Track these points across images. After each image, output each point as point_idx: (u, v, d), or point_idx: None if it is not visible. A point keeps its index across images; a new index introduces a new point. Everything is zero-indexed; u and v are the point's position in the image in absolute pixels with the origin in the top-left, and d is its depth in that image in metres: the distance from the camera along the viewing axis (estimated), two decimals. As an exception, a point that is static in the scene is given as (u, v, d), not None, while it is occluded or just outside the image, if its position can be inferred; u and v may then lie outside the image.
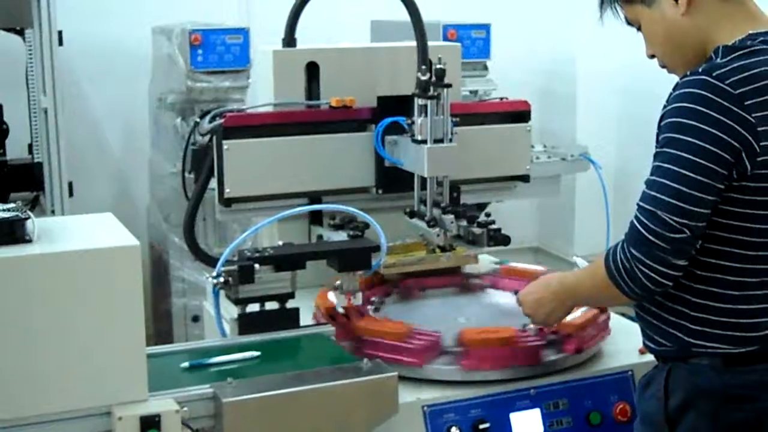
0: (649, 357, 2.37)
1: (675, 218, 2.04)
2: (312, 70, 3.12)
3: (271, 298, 2.56)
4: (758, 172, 2.06)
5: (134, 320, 2.01)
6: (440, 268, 3.02)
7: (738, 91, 2.04)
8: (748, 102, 2.04)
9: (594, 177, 5.02)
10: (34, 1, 4.29)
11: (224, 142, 2.92)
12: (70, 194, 4.49)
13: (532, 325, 2.53)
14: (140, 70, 5.19)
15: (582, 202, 6.06)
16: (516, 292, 2.95)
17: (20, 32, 4.53)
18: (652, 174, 2.10)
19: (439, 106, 2.84)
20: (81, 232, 2.09)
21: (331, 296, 2.69)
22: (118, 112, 5.61)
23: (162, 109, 4.97)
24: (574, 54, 6.16)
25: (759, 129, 2.04)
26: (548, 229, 6.57)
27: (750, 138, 2.04)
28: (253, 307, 2.56)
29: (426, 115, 2.83)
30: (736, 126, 2.03)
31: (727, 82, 2.05)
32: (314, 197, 3.08)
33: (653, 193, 2.07)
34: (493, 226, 2.86)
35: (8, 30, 4.57)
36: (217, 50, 4.73)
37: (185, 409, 2.06)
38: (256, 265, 2.51)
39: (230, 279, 2.52)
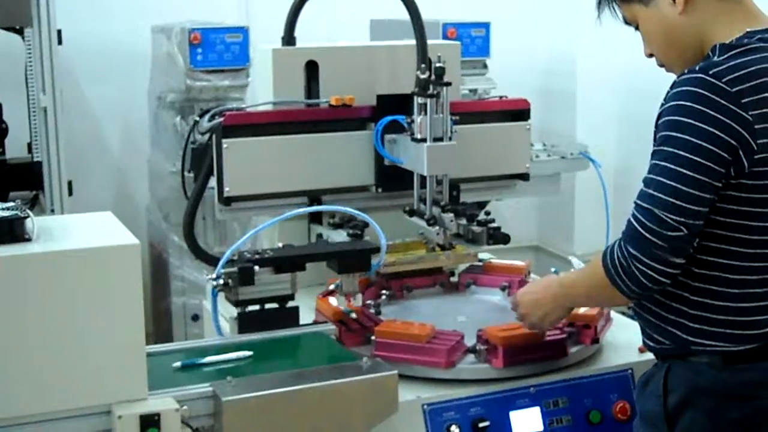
0: (649, 355, 2.37)
1: (672, 216, 2.04)
2: (311, 68, 3.12)
3: (270, 300, 2.56)
4: (756, 169, 2.06)
5: (134, 319, 2.01)
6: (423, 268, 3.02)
7: (735, 89, 2.04)
8: (745, 100, 2.04)
9: (594, 175, 5.02)
10: (34, 0, 4.28)
11: (224, 140, 2.92)
12: (70, 193, 4.49)
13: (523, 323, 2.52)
14: (139, 69, 5.19)
15: (582, 201, 6.06)
16: (503, 288, 2.98)
17: (19, 31, 4.52)
18: (649, 172, 2.10)
19: (439, 104, 2.84)
20: (80, 231, 2.09)
21: (334, 301, 2.69)
22: (118, 111, 5.60)
23: (161, 108, 4.96)
24: (574, 52, 6.15)
25: (756, 127, 2.05)
26: (548, 228, 6.57)
27: (747, 136, 2.04)
28: (253, 306, 2.56)
29: (425, 114, 2.83)
30: (733, 124, 2.04)
31: (724, 80, 2.05)
32: (314, 196, 3.08)
33: (650, 191, 2.08)
34: (493, 225, 2.87)
35: (7, 29, 4.55)
36: (217, 49, 4.73)
37: (185, 407, 2.06)
38: (256, 267, 2.50)
39: (230, 281, 2.52)
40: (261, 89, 3.31)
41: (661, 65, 2.31)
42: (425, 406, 2.41)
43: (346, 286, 2.61)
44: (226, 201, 2.96)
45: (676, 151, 2.06)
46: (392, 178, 3.07)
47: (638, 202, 2.10)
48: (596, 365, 2.62)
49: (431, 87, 2.83)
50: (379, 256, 2.63)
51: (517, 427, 2.46)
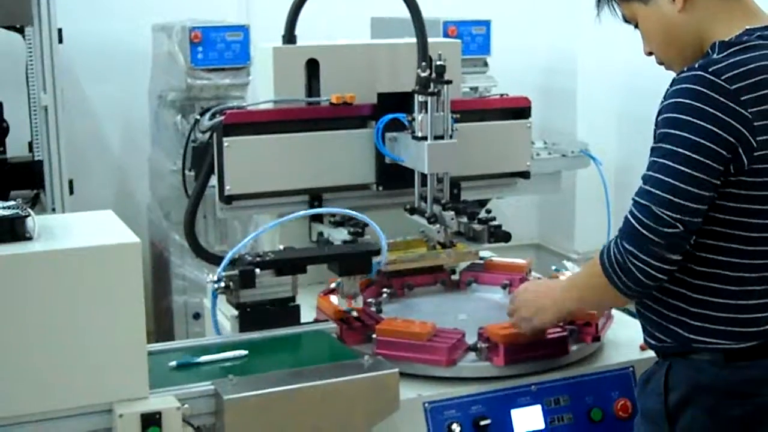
0: (650, 353, 2.37)
1: (669, 213, 2.04)
2: (312, 67, 3.12)
3: (272, 302, 2.56)
4: (755, 167, 2.06)
5: (135, 318, 2.01)
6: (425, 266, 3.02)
7: (734, 87, 2.04)
8: (745, 97, 2.04)
9: (594, 173, 5.03)
10: (34, 0, 4.28)
11: (224, 139, 2.92)
12: (71, 192, 4.49)
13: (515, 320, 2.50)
14: (140, 67, 5.19)
15: (582, 199, 6.06)
16: (504, 286, 2.98)
17: (20, 30, 4.52)
18: (647, 169, 2.11)
19: (440, 102, 2.84)
20: (81, 230, 2.09)
21: (335, 299, 2.69)
22: (119, 110, 5.60)
23: (162, 107, 4.97)
24: (575, 50, 6.15)
25: (755, 124, 2.05)
26: (549, 226, 6.57)
27: (746, 133, 2.04)
28: (254, 306, 2.56)
29: (426, 112, 2.83)
30: (732, 121, 2.04)
31: (724, 77, 2.05)
32: (315, 194, 3.08)
33: (648, 187, 2.08)
34: (494, 223, 2.86)
35: (8, 28, 4.55)
36: (217, 47, 4.73)
37: (186, 406, 2.06)
38: (257, 270, 2.50)
39: (231, 283, 2.52)
40: (262, 88, 3.31)
41: (660, 63, 2.31)
42: (426, 405, 2.41)
43: (347, 288, 2.61)
44: (227, 199, 2.96)
45: (674, 148, 2.06)
46: (393, 176, 3.07)
47: (636, 198, 2.10)
48: (597, 363, 2.62)
49: (432, 85, 2.83)
50: (379, 257, 2.63)
51: (518, 425, 2.46)
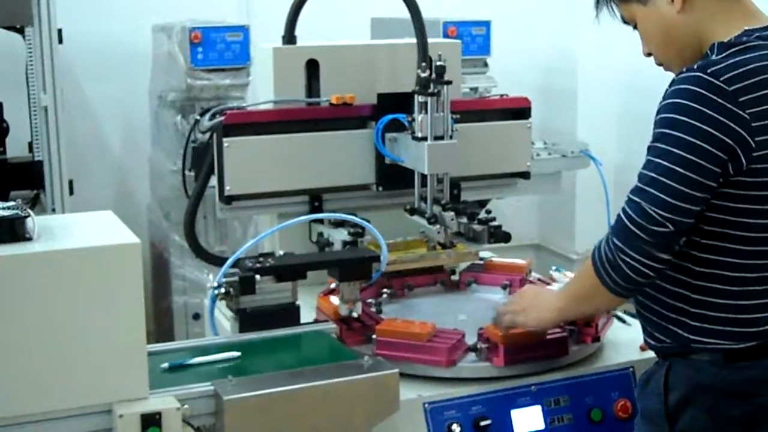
0: (650, 354, 2.37)
1: (659, 211, 2.05)
2: (312, 67, 3.12)
3: (272, 308, 2.55)
4: (754, 167, 2.07)
5: (135, 318, 2.01)
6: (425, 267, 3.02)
7: (732, 88, 2.05)
8: (743, 98, 2.05)
9: (595, 174, 5.02)
10: (34, 0, 4.28)
11: (224, 139, 2.92)
12: (71, 192, 4.49)
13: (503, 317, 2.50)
14: (140, 68, 5.19)
15: (583, 199, 6.06)
16: (504, 287, 2.98)
17: (20, 30, 4.52)
18: (643, 168, 2.12)
19: (440, 103, 2.84)
20: (81, 230, 2.09)
21: (335, 300, 2.69)
22: (119, 110, 5.60)
23: (162, 107, 4.97)
24: (575, 50, 6.15)
25: (753, 125, 2.05)
26: (549, 226, 6.57)
27: (744, 134, 2.04)
28: (254, 312, 2.55)
29: (426, 112, 2.83)
30: (730, 123, 2.04)
31: (722, 78, 2.05)
32: (314, 195, 3.08)
33: (641, 185, 2.09)
34: (494, 223, 2.86)
35: (8, 28, 4.55)
36: (218, 48, 4.73)
37: (186, 406, 2.06)
38: (257, 276, 2.50)
39: (231, 289, 2.52)
40: (262, 88, 3.31)
41: (659, 64, 2.32)
42: (426, 405, 2.41)
43: (347, 294, 2.60)
44: (227, 200, 2.96)
45: (669, 148, 2.06)
46: (393, 177, 3.07)
47: (629, 195, 2.12)
48: (597, 363, 2.62)
49: (432, 85, 2.83)
50: (379, 264, 2.63)
51: (518, 426, 2.46)
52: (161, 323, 5.11)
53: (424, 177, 2.94)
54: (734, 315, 2.14)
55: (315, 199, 3.08)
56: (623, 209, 2.11)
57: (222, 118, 2.95)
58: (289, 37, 3.17)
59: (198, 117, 3.13)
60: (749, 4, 2.22)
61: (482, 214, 2.89)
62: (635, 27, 2.31)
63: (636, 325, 2.43)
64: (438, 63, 2.82)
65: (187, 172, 3.45)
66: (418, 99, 2.86)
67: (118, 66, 5.43)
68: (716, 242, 2.13)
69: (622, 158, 6.01)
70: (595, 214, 5.45)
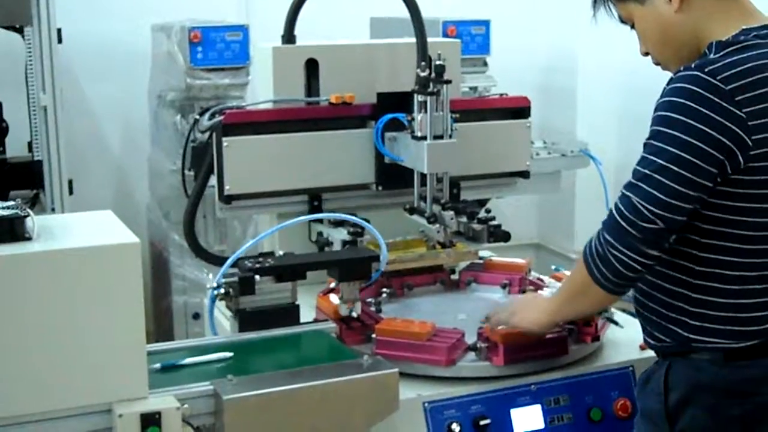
0: (650, 353, 2.37)
1: (650, 208, 2.06)
2: (311, 66, 3.12)
3: (272, 309, 2.55)
4: (752, 165, 2.07)
5: (134, 318, 2.01)
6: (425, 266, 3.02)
7: (729, 87, 2.05)
8: (740, 97, 2.05)
9: (594, 173, 5.02)
10: (34, 0, 4.28)
11: (224, 139, 2.92)
12: (70, 192, 4.49)
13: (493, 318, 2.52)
14: (140, 67, 5.19)
15: (582, 198, 6.06)
16: (504, 286, 2.98)
17: (19, 30, 4.52)
18: (637, 164, 2.13)
19: (439, 102, 2.84)
20: (81, 230, 2.09)
21: (335, 299, 2.69)
22: (118, 110, 5.60)
23: (162, 107, 4.96)
24: (574, 50, 6.15)
25: (750, 123, 2.05)
26: (548, 226, 6.57)
27: (741, 133, 2.04)
28: (254, 312, 2.55)
29: (426, 112, 2.83)
30: (726, 122, 2.04)
31: (719, 77, 2.05)
32: (314, 194, 3.08)
33: (634, 181, 2.10)
34: (493, 223, 2.87)
35: (7, 28, 4.56)
36: (217, 47, 4.73)
37: (186, 406, 2.06)
38: (257, 277, 2.50)
39: (231, 290, 2.51)
40: (261, 87, 3.31)
41: (656, 63, 2.32)
42: (426, 404, 2.41)
43: (347, 294, 2.60)
44: (227, 199, 2.96)
45: (664, 146, 2.07)
46: (393, 176, 3.07)
47: (622, 190, 2.13)
48: (597, 363, 2.62)
49: (431, 85, 2.83)
50: (379, 264, 2.63)
51: (518, 425, 2.46)
52: (161, 323, 5.11)
53: (423, 176, 2.94)
54: (734, 314, 2.14)
55: (314, 199, 3.08)
56: (615, 204, 2.13)
57: (221, 117, 2.95)
58: (289, 37, 3.17)
59: (197, 116, 3.13)
60: (747, 4, 2.23)
61: (482, 214, 2.89)
62: (633, 26, 2.31)
63: (635, 324, 2.43)
64: (437, 62, 2.82)
65: (186, 172, 3.45)
66: (418, 98, 2.86)
67: (117, 66, 5.43)
68: (716, 241, 2.13)
69: (621, 157, 6.00)
70: (594, 213, 5.42)
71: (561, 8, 6.04)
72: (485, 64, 5.47)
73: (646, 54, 2.32)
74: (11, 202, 2.05)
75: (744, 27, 2.16)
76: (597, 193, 5.09)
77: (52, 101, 4.37)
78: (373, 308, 2.79)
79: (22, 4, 4.28)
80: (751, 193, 2.09)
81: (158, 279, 5.19)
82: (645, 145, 2.13)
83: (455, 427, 2.40)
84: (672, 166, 2.05)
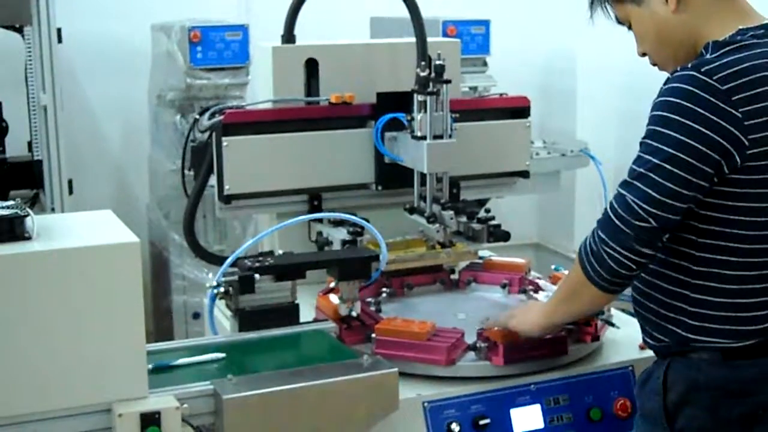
0: (649, 353, 2.37)
1: (644, 206, 2.06)
2: (311, 66, 3.12)
3: (271, 308, 2.55)
4: (749, 164, 2.07)
5: (134, 317, 2.01)
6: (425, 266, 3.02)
7: (726, 87, 2.05)
8: (736, 97, 2.05)
9: (594, 173, 5.02)
10: (33, -1, 4.29)
11: (224, 138, 2.92)
12: (70, 192, 4.48)
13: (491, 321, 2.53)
14: (139, 67, 5.19)
15: (582, 198, 6.06)
16: (504, 286, 2.98)
17: (19, 30, 4.52)
18: (633, 163, 2.13)
19: (439, 102, 2.84)
20: (80, 230, 2.09)
21: (334, 299, 2.69)
22: (118, 110, 5.60)
23: (161, 107, 4.96)
24: (574, 50, 6.15)
25: (746, 123, 2.05)
26: (548, 225, 6.57)
27: (737, 132, 2.05)
28: (253, 311, 2.55)
29: (425, 111, 2.83)
30: (722, 122, 2.04)
31: (716, 77, 2.05)
32: (314, 194, 3.08)
33: (629, 179, 2.11)
34: (493, 222, 2.87)
35: (7, 28, 4.56)
36: (217, 47, 4.73)
37: (185, 405, 2.06)
38: (256, 276, 2.50)
39: (230, 288, 2.52)
40: (261, 87, 3.31)
41: (653, 64, 2.32)
42: (426, 404, 2.41)
43: (346, 293, 2.60)
44: (226, 199, 2.96)
45: (659, 145, 2.07)
46: (392, 176, 3.07)
47: (618, 189, 2.13)
48: (597, 362, 2.62)
49: (431, 84, 2.83)
50: (379, 263, 2.63)
51: (517, 425, 2.46)
52: (161, 322, 5.11)
53: (423, 176, 2.94)
54: (733, 313, 2.14)
55: (314, 198, 3.08)
56: (610, 202, 2.14)
57: (221, 117, 2.95)
58: (289, 36, 3.17)
59: (197, 116, 3.13)
60: (743, 4, 2.23)
61: (481, 213, 2.89)
62: (630, 27, 2.32)
63: (634, 324, 2.43)
64: (437, 62, 2.82)
65: (186, 172, 3.45)
66: (418, 98, 2.86)
67: (117, 65, 5.43)
68: (713, 241, 2.13)
69: (621, 157, 5.99)
70: (594, 213, 5.41)
71: (561, 8, 6.03)
72: (485, 64, 5.47)
73: (644, 55, 2.32)
74: (11, 202, 2.05)
75: (741, 27, 2.16)
76: (597, 192, 5.09)
77: (52, 101, 4.37)
78: (372, 308, 2.79)
79: (21, 3, 4.28)
80: (748, 193, 2.09)
81: (158, 279, 5.19)
82: (641, 144, 2.13)
83: (455, 426, 2.40)
84: (667, 166, 2.06)
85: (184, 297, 4.99)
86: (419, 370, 2.47)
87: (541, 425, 2.48)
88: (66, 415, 1.98)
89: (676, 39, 2.22)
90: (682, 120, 2.05)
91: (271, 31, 3.36)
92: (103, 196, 5.40)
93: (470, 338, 2.53)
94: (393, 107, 3.01)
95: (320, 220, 3.06)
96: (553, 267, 3.11)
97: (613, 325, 2.68)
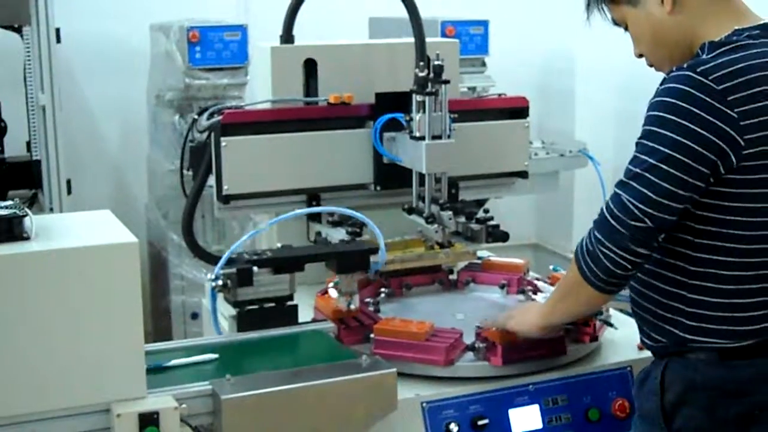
0: (648, 353, 2.37)
1: (639, 206, 2.07)
2: (310, 66, 3.12)
3: (269, 300, 2.55)
4: (745, 164, 2.07)
5: (133, 317, 2.01)
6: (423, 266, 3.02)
7: (721, 87, 2.05)
8: (732, 97, 2.05)
9: (592, 173, 5.02)
10: (32, -1, 4.29)
11: (222, 139, 2.92)
12: (68, 192, 4.48)
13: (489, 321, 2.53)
14: (138, 67, 5.19)
15: (580, 199, 6.06)
16: (502, 286, 2.98)
17: (18, 30, 4.52)
18: (629, 163, 2.14)
19: (438, 102, 2.84)
20: (79, 230, 2.09)
21: (334, 292, 2.69)
22: (116, 110, 5.60)
23: (160, 107, 4.96)
24: (573, 50, 6.15)
25: (742, 123, 2.05)
26: (547, 226, 6.57)
27: (732, 132, 2.05)
28: (252, 304, 2.55)
29: (424, 112, 2.83)
30: (718, 122, 2.04)
31: (711, 77, 2.06)
32: (312, 194, 3.07)
33: (625, 179, 2.12)
34: (492, 223, 2.86)
35: (6, 27, 4.56)
36: (215, 47, 4.73)
37: (184, 406, 2.06)
38: (255, 268, 2.50)
39: (229, 282, 2.52)
40: (260, 87, 3.31)
41: (650, 65, 2.33)
42: (424, 404, 2.41)
43: (345, 286, 2.60)
44: (225, 199, 2.96)
45: (655, 145, 2.08)
46: (391, 176, 3.07)
47: (614, 189, 2.14)
48: (595, 363, 2.62)
49: (430, 85, 2.83)
50: (378, 256, 2.63)
51: (516, 425, 2.46)
52: (159, 323, 5.11)
53: (422, 176, 2.94)
54: (729, 314, 2.14)
55: (313, 199, 3.07)
56: (606, 202, 2.14)
57: (220, 117, 2.95)
58: (287, 37, 3.17)
59: (196, 116, 3.12)
60: (739, 4, 2.23)
61: (480, 214, 2.89)
62: (626, 29, 2.32)
63: (632, 324, 2.43)
64: (436, 62, 2.82)
65: (185, 172, 3.45)
66: (416, 98, 2.86)
67: (116, 65, 5.42)
68: (710, 241, 2.13)
69: (620, 158, 5.96)
70: (592, 213, 5.38)
71: (559, 9, 6.03)
72: (484, 64, 5.47)
73: (640, 56, 2.33)
74: (9, 202, 2.05)
75: (736, 27, 2.16)
76: (595, 193, 5.09)
77: (51, 101, 4.37)
78: (371, 308, 2.79)
79: (20, 3, 4.28)
80: (744, 193, 2.09)
81: (156, 279, 5.19)
82: (637, 144, 2.14)
83: (453, 427, 2.40)
84: (663, 166, 2.06)
85: (183, 297, 4.99)
86: (418, 371, 2.47)
87: (539, 425, 2.48)
88: (64, 415, 1.98)
89: (672, 40, 2.23)
90: (678, 120, 2.05)
91: (270, 31, 3.35)
92: (102, 196, 5.40)
93: (469, 338, 2.53)
94: (392, 107, 3.01)
95: (319, 221, 3.07)
96: (551, 267, 3.11)
97: (611, 325, 2.68)
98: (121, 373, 2.01)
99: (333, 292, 2.67)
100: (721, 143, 2.05)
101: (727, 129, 2.05)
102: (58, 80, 4.39)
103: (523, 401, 2.49)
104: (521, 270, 3.07)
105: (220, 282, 2.52)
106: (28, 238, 1.98)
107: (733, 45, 2.12)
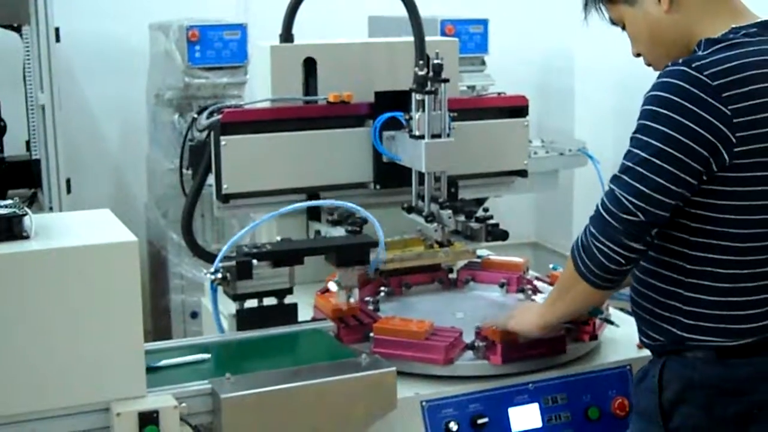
0: (647, 352, 2.37)
1: (632, 200, 2.08)
2: (309, 65, 3.12)
3: (269, 293, 2.56)
4: (738, 162, 2.07)
5: (132, 316, 2.01)
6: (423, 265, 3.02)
7: (716, 83, 2.05)
8: (726, 94, 2.05)
9: (592, 172, 5.02)
10: (31, -2, 4.29)
11: (222, 138, 2.92)
12: (68, 191, 4.48)
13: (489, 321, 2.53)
14: (138, 66, 5.19)
15: (580, 197, 6.06)
16: (502, 285, 2.98)
17: (17, 29, 4.51)
18: (623, 157, 2.14)
19: (437, 101, 2.84)
20: (78, 229, 2.09)
21: (333, 289, 2.68)
22: (116, 109, 5.60)
23: (159, 106, 4.96)
24: (572, 49, 6.15)
25: (735, 120, 2.05)
26: (546, 224, 6.57)
27: (725, 129, 2.05)
28: (251, 303, 2.56)
29: (424, 111, 2.83)
30: (711, 118, 2.04)
31: (706, 73, 2.06)
32: (312, 193, 3.08)
33: (618, 173, 2.13)
34: (491, 221, 2.87)
35: (5, 27, 4.55)
36: (215, 46, 4.73)
37: (183, 405, 2.06)
38: (254, 261, 2.50)
39: (228, 275, 2.52)
40: (259, 86, 3.31)
41: (648, 64, 2.33)
42: (424, 403, 2.41)
43: (345, 280, 2.61)
44: (224, 198, 2.96)
45: (648, 139, 2.08)
46: (390, 175, 3.07)
47: (609, 183, 2.15)
48: (595, 362, 2.62)
49: (429, 84, 2.83)
50: (377, 251, 2.63)
51: (515, 424, 2.46)
52: (159, 322, 5.11)
53: (421, 175, 2.94)
54: (727, 312, 2.14)
55: (312, 197, 3.07)
56: (601, 198, 2.15)
57: (219, 116, 2.95)
58: (287, 36, 3.18)
59: (195, 115, 3.13)
60: (736, 2, 2.23)
61: (480, 212, 2.90)
62: (623, 28, 2.32)
63: (632, 323, 2.43)
64: (435, 61, 2.82)
65: (184, 171, 3.45)
66: (416, 97, 2.86)
67: (115, 64, 5.42)
68: (706, 239, 2.13)
69: (619, 156, 5.93)
70: (592, 212, 5.45)
71: (559, 7, 6.03)
72: (483, 63, 5.46)
73: (638, 55, 2.33)
74: (9, 201, 2.05)
75: (733, 26, 2.17)
76: (595, 191, 5.08)
77: (50, 100, 4.36)
78: (371, 307, 2.79)
79: (19, 3, 4.27)
80: (737, 191, 2.09)
81: (156, 278, 5.19)
82: (631, 138, 2.15)
83: (453, 425, 2.40)
84: (655, 160, 2.07)
85: (182, 296, 4.99)
86: (417, 369, 2.47)
87: (539, 424, 2.48)
88: (64, 414, 1.98)
89: (669, 39, 2.23)
90: (670, 114, 2.06)
91: (270, 30, 3.36)
92: (101, 195, 5.40)
93: (468, 337, 2.53)
94: (391, 106, 3.01)
95: (318, 219, 3.07)
96: (551, 266, 3.12)
97: (612, 323, 2.68)
98: (120, 372, 2.01)
99: (333, 286, 2.67)
100: (713, 139, 2.05)
101: (720, 126, 2.05)
102: (58, 79, 4.38)
103: (522, 400, 2.49)
104: (521, 269, 3.07)
105: (219, 275, 2.52)
106: (27, 237, 1.98)
107: (730, 42, 2.12)
